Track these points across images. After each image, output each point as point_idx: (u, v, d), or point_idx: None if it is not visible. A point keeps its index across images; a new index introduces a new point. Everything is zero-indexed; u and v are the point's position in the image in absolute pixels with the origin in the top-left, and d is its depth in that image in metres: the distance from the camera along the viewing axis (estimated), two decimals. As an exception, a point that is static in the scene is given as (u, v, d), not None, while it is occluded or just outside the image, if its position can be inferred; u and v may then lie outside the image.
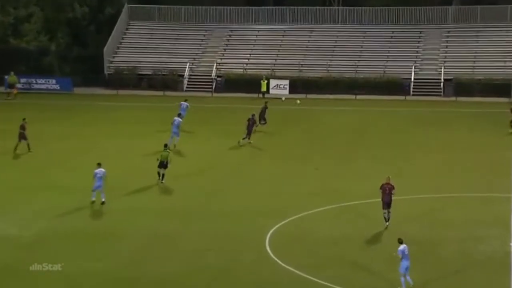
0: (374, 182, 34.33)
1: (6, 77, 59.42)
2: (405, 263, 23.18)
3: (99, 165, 31.63)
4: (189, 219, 29.80)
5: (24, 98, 57.79)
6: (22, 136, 39.88)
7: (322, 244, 27.15)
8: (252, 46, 66.62)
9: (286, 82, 60.59)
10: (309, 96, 59.64)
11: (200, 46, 66.75)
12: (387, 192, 29.20)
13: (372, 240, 27.60)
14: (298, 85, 60.90)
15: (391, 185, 29.31)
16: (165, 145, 35.87)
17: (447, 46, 64.11)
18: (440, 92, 60.08)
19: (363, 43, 65.16)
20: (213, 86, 62.31)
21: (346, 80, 60.96)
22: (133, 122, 49.77)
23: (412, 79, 60.66)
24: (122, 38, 67.78)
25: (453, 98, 58.60)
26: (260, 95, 59.35)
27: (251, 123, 41.67)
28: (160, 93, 61.17)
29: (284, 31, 67.22)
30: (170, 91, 61.50)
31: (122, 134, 45.58)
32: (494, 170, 37.05)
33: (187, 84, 63.16)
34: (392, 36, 65.35)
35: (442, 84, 60.23)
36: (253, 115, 42.39)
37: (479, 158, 39.38)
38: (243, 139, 41.66)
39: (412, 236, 27.84)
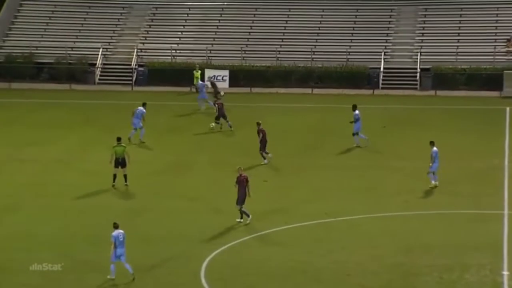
0: (330, 200, 34.95)
1: None
2: (118, 251, 26.57)
3: None
4: (101, 245, 29.76)
5: None
6: None
7: (272, 277, 27.43)
8: (182, 27, 66.67)
9: (226, 72, 60.80)
10: (254, 90, 59.96)
11: (116, 27, 66.47)
12: (244, 185, 31.55)
13: (334, 269, 28.00)
14: (240, 77, 61.18)
15: (245, 175, 31.70)
16: (118, 139, 36.26)
17: (424, 27, 65.26)
18: (416, 84, 61.10)
19: (321, 24, 65.85)
20: (134, 78, 62.14)
21: (300, 71, 61.49)
22: (30, 124, 49.35)
23: (382, 69, 61.54)
24: (15, 17, 67.02)
25: (432, 92, 59.66)
26: (193, 89, 59.45)
27: (220, 106, 46.56)
28: (66, 86, 60.72)
29: (223, 8, 67.46)
30: (78, 84, 61.09)
31: (16, 139, 45.16)
32: (482, 181, 37.93)
33: (100, 76, 62.82)
34: (356, 16, 66.22)
35: (418, 75, 61.26)
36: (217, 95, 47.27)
37: (463, 167, 40.23)
38: (216, 123, 46.28)
39: (384, 262, 28.37)
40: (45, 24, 66.59)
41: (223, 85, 60.15)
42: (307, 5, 66.68)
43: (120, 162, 36.07)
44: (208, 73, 60.40)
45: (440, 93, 58.96)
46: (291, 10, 66.55)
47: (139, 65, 62.72)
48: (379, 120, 50.37)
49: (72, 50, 63.63)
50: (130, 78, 62.04)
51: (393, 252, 29.35)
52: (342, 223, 32.26)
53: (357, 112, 43.45)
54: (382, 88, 60.52)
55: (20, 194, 35.77)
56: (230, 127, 46.82)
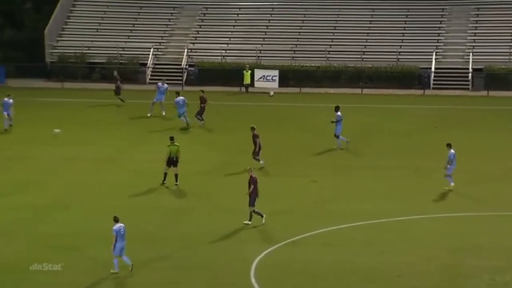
0: (378, 200, 34.76)
1: None
2: (120, 244, 26.80)
3: None
4: (152, 244, 29.94)
5: None
6: None
7: (322, 277, 27.39)
8: (232, 27, 66.87)
9: (275, 72, 60.86)
10: (304, 90, 59.93)
11: (167, 27, 66.92)
12: (256, 185, 31.40)
13: (385, 270, 27.88)
14: (290, 77, 61.22)
15: (255, 176, 31.61)
16: (172, 138, 36.74)
17: (476, 27, 64.67)
18: (468, 85, 60.60)
19: (371, 23, 65.60)
20: (184, 78, 62.49)
21: (350, 71, 61.36)
22: (81, 123, 49.84)
23: (433, 69, 61.15)
24: (68, 18, 67.82)
25: (484, 93, 59.11)
26: (243, 89, 59.63)
27: (202, 100, 47.72)
28: (117, 86, 61.27)
29: (273, 8, 67.54)
30: (129, 84, 61.46)
31: (67, 138, 45.61)
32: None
33: (151, 75, 63.32)
34: (407, 15, 65.85)
35: (470, 75, 60.74)
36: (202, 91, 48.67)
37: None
38: (200, 121, 47.48)
39: (435, 263, 28.16)
40: (97, 24, 67.28)
41: (273, 85, 60.25)
42: (357, 5, 66.47)
43: (173, 161, 36.24)
44: (258, 73, 60.52)
45: (492, 93, 58.39)
46: (341, 10, 66.40)
47: (190, 65, 63.10)
48: (430, 121, 50.01)
49: (124, 50, 64.25)
50: (181, 78, 62.41)
51: (443, 253, 29.11)
52: (392, 224, 32.06)
53: (339, 113, 42.88)
54: (433, 88, 60.16)
55: (68, 193, 35.88)
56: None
